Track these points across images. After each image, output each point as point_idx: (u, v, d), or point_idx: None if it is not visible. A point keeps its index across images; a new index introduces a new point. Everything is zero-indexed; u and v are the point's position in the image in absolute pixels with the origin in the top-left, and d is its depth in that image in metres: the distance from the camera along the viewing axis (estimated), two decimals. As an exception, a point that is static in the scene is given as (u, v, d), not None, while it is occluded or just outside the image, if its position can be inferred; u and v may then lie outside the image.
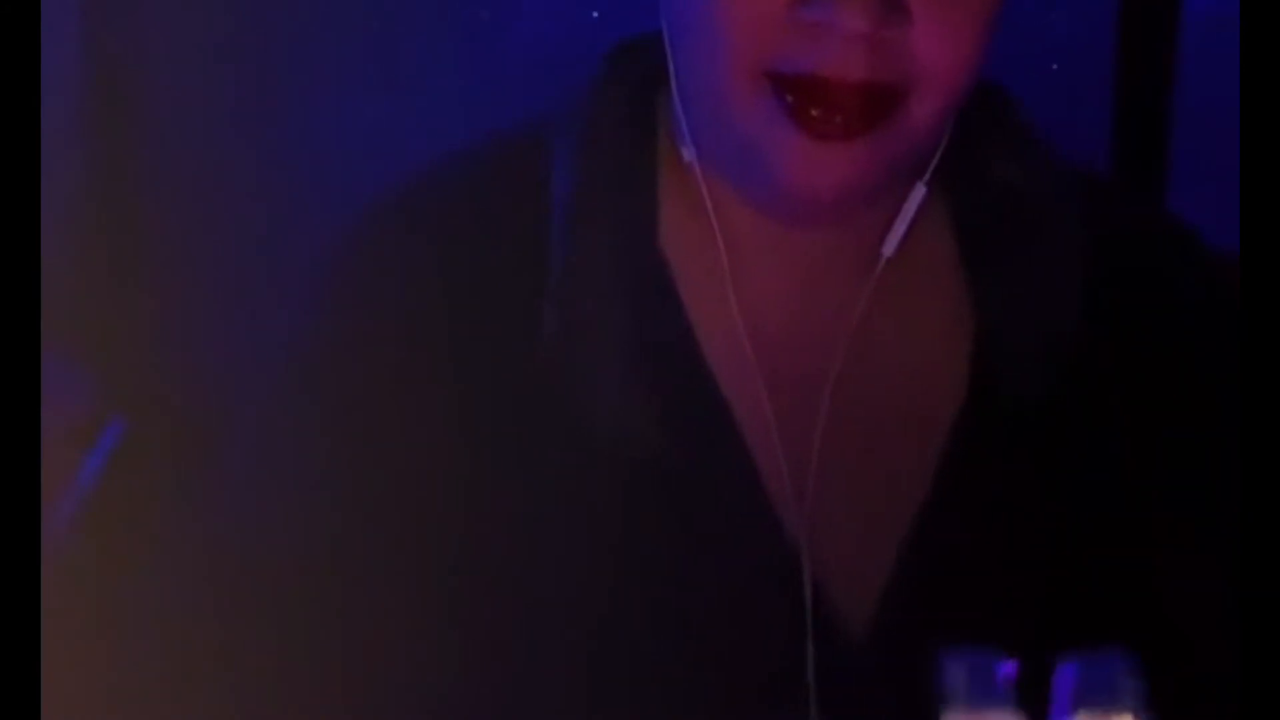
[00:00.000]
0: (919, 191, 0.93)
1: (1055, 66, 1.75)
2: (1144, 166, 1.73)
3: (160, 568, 0.92)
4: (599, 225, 0.92)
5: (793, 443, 0.91)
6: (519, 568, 0.89)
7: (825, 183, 0.87)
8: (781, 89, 0.86)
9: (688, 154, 0.92)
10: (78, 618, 0.89)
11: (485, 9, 1.75)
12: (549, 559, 0.89)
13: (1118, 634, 0.88)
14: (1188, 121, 1.72)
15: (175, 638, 0.90)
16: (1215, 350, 0.97)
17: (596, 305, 0.91)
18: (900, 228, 0.93)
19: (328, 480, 0.90)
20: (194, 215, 1.82)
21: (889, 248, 0.93)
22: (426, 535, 0.89)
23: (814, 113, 0.85)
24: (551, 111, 0.96)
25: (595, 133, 0.94)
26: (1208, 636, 0.93)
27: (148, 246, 1.82)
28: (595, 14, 1.66)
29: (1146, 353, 0.96)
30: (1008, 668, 0.66)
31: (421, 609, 0.88)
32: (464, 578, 0.89)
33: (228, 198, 1.79)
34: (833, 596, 0.89)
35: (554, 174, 0.93)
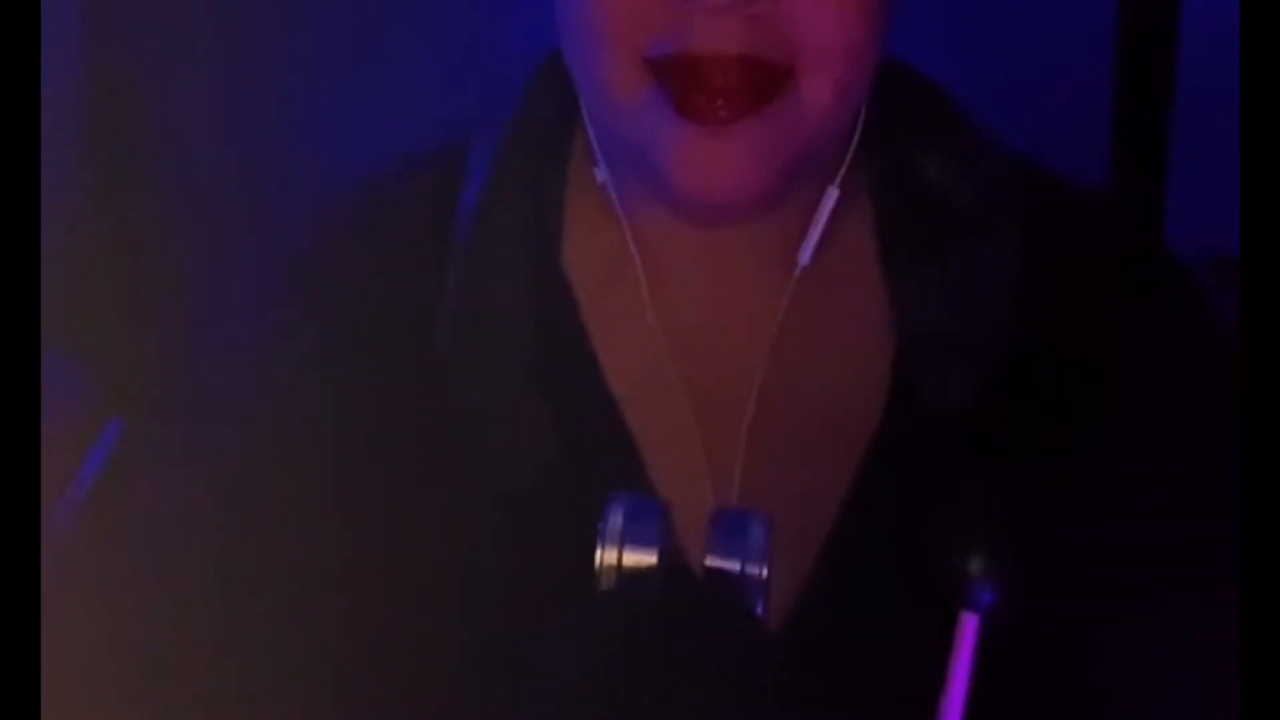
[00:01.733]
0: (832, 195, 0.91)
1: (1055, 66, 1.75)
2: (1144, 167, 1.73)
3: (160, 567, 0.92)
4: (499, 238, 0.91)
5: (717, 453, 0.90)
6: (411, 592, 0.89)
7: (719, 174, 0.85)
8: (662, 78, 0.84)
9: (600, 174, 0.91)
10: (78, 618, 0.89)
11: (484, 9, 1.74)
12: (444, 584, 0.89)
13: (1044, 640, 0.88)
14: (1188, 121, 1.72)
15: (175, 638, 0.90)
16: (1159, 349, 0.94)
17: (491, 323, 0.90)
18: (814, 234, 0.91)
19: (296, 471, 0.90)
20: (194, 215, 1.82)
21: (805, 255, 0.91)
22: (363, 537, 0.89)
23: (696, 99, 0.83)
24: (481, 123, 0.95)
25: (508, 145, 0.93)
26: (1147, 645, 0.91)
27: (148, 246, 1.82)
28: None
29: (1082, 353, 0.93)
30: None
31: (388, 597, 0.89)
32: (403, 572, 0.89)
33: (228, 197, 1.79)
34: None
35: (466, 185, 0.93)
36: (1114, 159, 1.73)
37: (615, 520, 0.75)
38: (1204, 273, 1.00)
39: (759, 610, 0.76)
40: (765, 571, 0.76)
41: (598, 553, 0.75)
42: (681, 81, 0.84)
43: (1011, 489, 0.90)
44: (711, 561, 0.76)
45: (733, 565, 0.76)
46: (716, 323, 0.92)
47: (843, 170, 0.91)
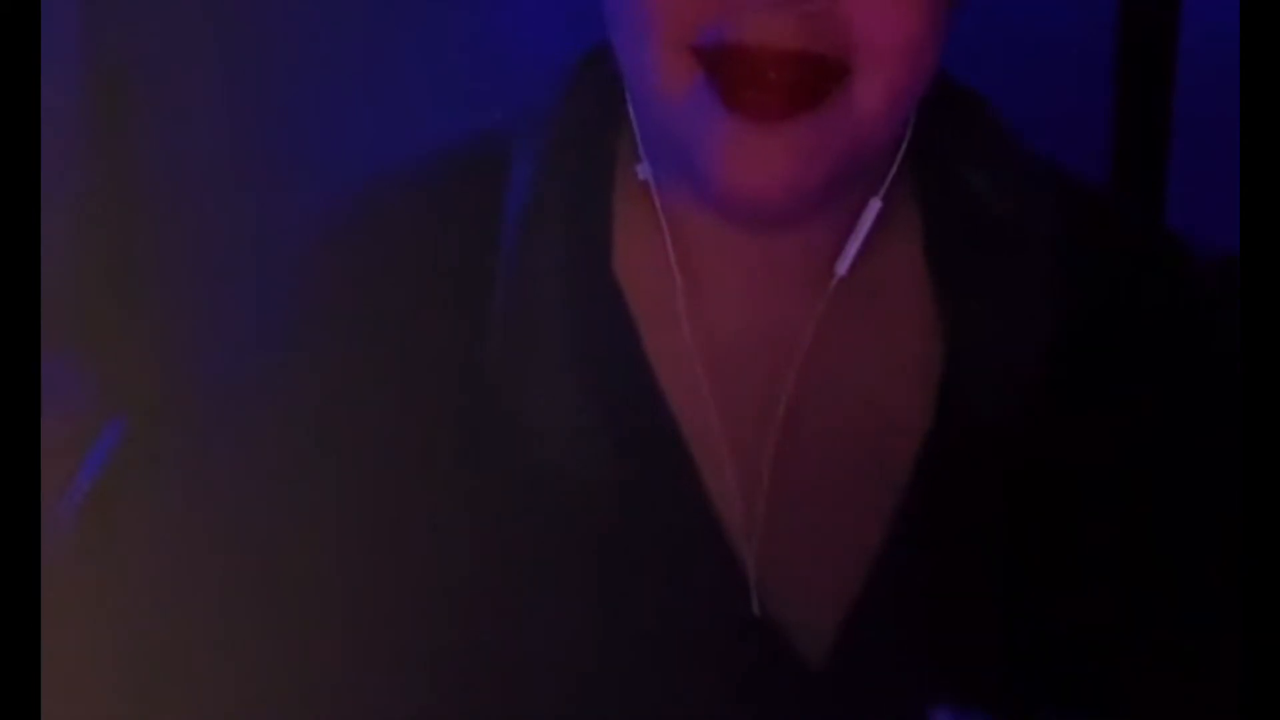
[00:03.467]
0: (874, 207, 0.89)
1: (1055, 66, 1.75)
2: (1143, 167, 1.73)
3: (160, 567, 0.92)
4: (549, 244, 0.90)
5: (745, 466, 0.89)
6: (458, 586, 0.88)
7: (765, 171, 0.82)
8: (710, 69, 0.82)
9: (642, 171, 0.90)
10: (78, 617, 0.89)
11: (484, 10, 1.74)
12: (486, 579, 0.88)
13: (1089, 668, 0.87)
14: (1188, 122, 1.72)
15: (175, 637, 0.90)
16: (1200, 367, 0.94)
17: (543, 324, 0.89)
18: (853, 246, 0.89)
19: (301, 470, 0.90)
20: (194, 215, 1.82)
21: (842, 266, 0.89)
22: (384, 541, 0.88)
23: (747, 93, 0.81)
24: (518, 120, 0.94)
25: (553, 147, 0.91)
26: (1191, 664, 0.91)
27: (148, 246, 1.82)
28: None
29: (1128, 372, 0.93)
30: None
31: (401, 597, 0.88)
32: (432, 578, 0.88)
33: (228, 198, 1.80)
34: (788, 625, 0.87)
35: (510, 188, 0.91)
36: (1114, 159, 1.73)
37: None
38: (1204, 273, 1.01)
39: None
40: None
41: None
42: (732, 74, 0.82)
43: (1060, 496, 0.90)
44: None
45: None
46: (755, 331, 0.91)
47: (887, 182, 0.90)
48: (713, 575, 0.88)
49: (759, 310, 0.91)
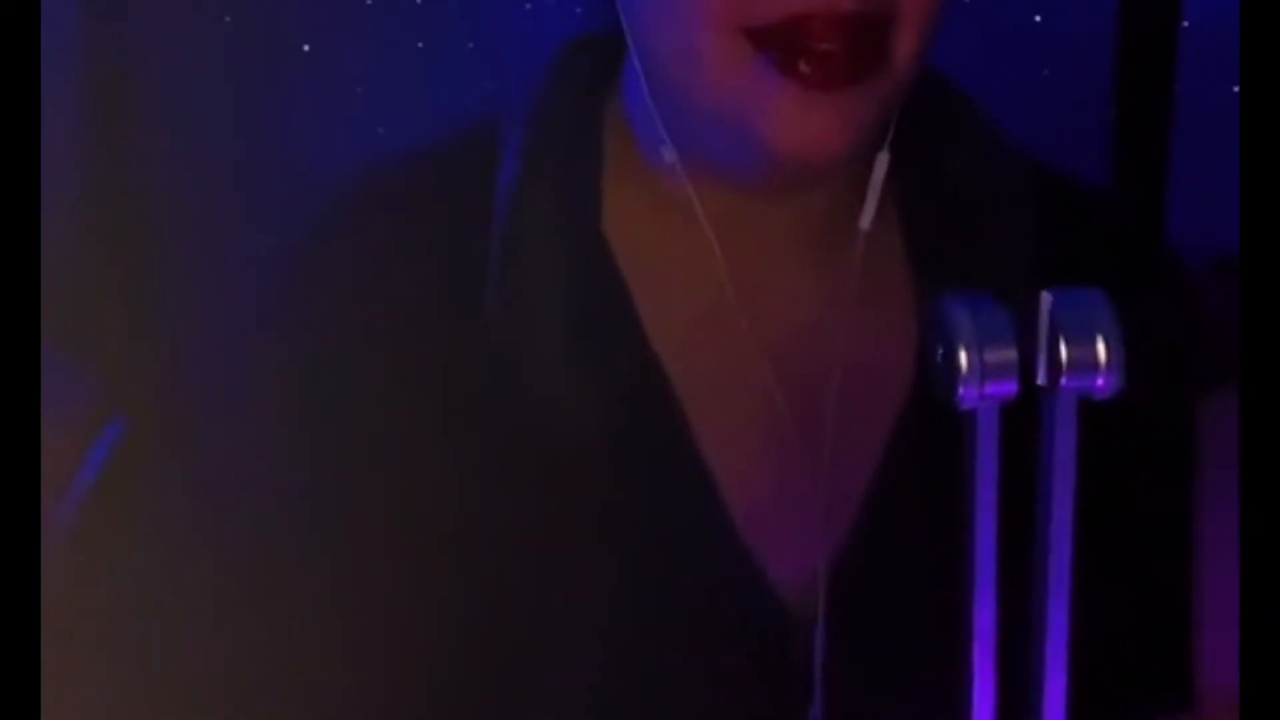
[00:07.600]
0: (884, 159, 0.91)
1: (1055, 66, 1.75)
2: (1144, 167, 1.73)
3: (160, 566, 0.92)
4: (540, 209, 0.91)
5: (733, 423, 0.91)
6: (467, 552, 0.89)
7: (824, 136, 0.85)
8: (765, 47, 0.84)
9: (668, 155, 0.91)
10: (78, 617, 0.89)
11: (485, 11, 1.75)
12: (490, 540, 0.89)
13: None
14: (1188, 122, 1.72)
15: (175, 636, 0.90)
16: (1172, 344, 0.96)
17: (536, 291, 0.90)
18: (873, 199, 0.91)
19: (302, 469, 0.90)
20: (194, 215, 1.82)
21: (865, 221, 0.91)
22: (396, 520, 0.89)
23: (804, 66, 0.83)
24: (505, 106, 0.96)
25: (540, 126, 0.93)
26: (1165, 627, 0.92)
27: (147, 246, 1.82)
28: (579, 9, 1.66)
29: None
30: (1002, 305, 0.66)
31: (403, 594, 0.89)
32: (433, 562, 0.89)
33: (229, 197, 1.80)
34: (777, 577, 0.89)
35: (500, 167, 0.93)
36: (1114, 159, 1.73)
37: (961, 318, 0.65)
38: (1204, 273, 1.01)
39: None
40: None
41: (960, 357, 0.64)
42: (789, 47, 0.83)
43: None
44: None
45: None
46: (768, 292, 0.93)
47: (890, 133, 0.91)
48: (705, 531, 0.89)
49: (777, 276, 0.93)
